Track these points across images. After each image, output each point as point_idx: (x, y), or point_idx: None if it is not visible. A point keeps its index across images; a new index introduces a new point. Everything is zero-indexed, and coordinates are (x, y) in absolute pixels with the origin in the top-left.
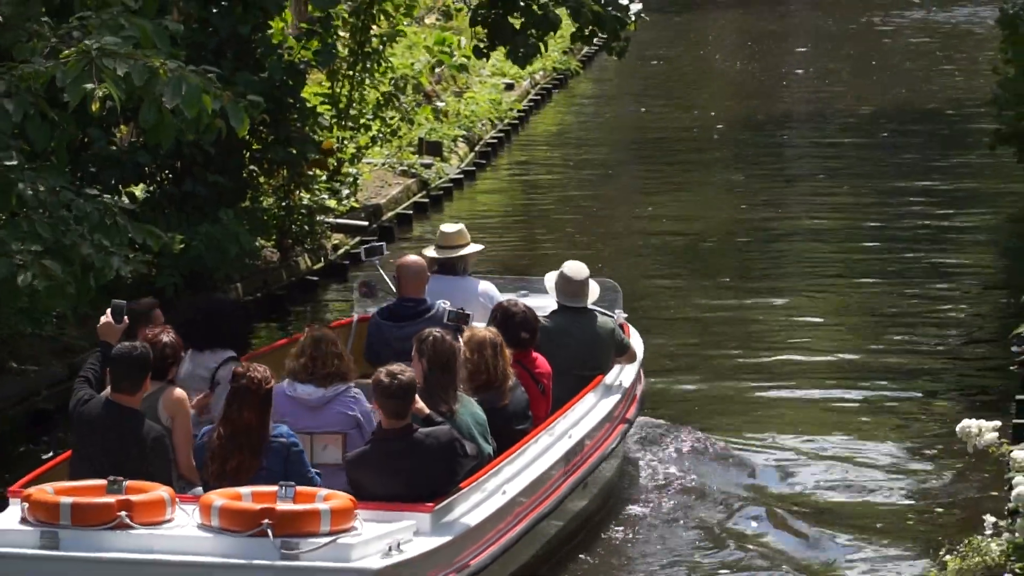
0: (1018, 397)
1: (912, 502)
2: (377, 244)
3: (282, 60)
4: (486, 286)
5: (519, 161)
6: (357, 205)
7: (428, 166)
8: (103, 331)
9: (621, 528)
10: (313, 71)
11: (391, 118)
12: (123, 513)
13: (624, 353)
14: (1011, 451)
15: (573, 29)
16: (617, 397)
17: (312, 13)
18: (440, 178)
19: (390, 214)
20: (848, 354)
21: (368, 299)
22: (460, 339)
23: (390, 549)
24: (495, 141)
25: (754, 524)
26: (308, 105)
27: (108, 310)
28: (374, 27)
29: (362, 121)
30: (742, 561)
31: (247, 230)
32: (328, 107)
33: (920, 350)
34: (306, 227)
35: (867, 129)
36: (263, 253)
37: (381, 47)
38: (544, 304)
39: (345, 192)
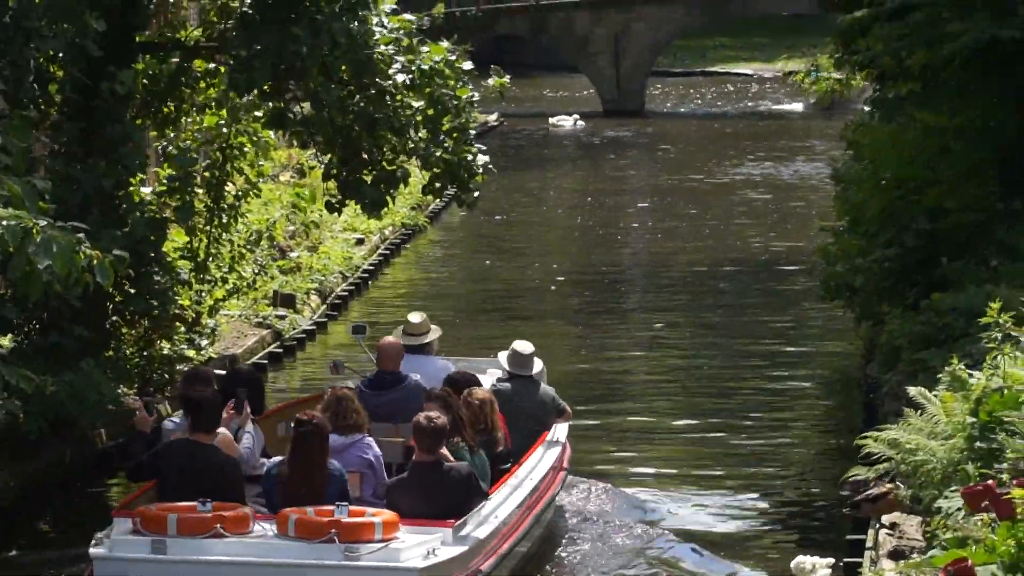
0: (848, 537)
1: None
2: (361, 324)
3: (144, 216)
4: (446, 364)
5: (368, 313)
6: (215, 355)
7: (282, 317)
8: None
9: (567, 545)
10: (172, 226)
11: (246, 272)
12: (218, 525)
13: (562, 415)
14: None
15: (423, 183)
16: (559, 449)
17: (172, 171)
18: (293, 329)
19: (246, 363)
20: (685, 496)
21: (337, 375)
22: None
23: (427, 553)
24: (346, 294)
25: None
26: (168, 259)
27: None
28: (229, 184)
29: (219, 275)
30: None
31: (109, 379)
32: (187, 261)
33: (756, 489)
34: (166, 375)
35: (703, 282)
36: (125, 400)
37: (237, 203)
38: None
39: (204, 343)
